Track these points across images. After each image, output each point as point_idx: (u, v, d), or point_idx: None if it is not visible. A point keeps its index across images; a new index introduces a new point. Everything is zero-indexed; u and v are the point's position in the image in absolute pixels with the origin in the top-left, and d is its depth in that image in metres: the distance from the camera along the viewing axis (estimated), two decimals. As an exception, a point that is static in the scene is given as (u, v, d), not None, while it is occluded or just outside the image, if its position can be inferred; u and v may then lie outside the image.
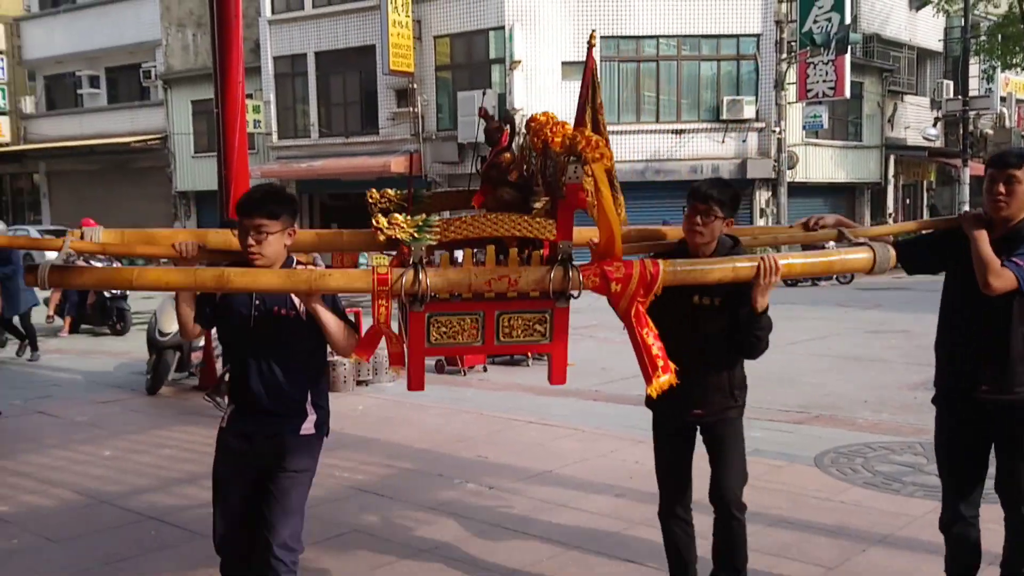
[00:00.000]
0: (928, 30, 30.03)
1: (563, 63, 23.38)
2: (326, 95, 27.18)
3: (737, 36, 24.07)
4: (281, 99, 27.84)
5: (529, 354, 10.28)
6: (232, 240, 3.32)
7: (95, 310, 13.57)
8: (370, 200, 3.16)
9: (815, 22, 23.05)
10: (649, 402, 3.65)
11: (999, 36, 28.05)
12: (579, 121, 3.36)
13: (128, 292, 13.73)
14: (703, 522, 3.76)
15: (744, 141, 24.00)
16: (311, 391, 3.32)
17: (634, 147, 23.54)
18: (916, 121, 29.69)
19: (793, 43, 23.87)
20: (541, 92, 23.26)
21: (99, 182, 32.97)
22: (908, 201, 30.83)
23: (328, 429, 3.43)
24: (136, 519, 5.24)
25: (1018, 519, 3.55)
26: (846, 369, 9.85)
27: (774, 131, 23.89)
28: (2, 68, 35.11)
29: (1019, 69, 29.04)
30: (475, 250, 3.30)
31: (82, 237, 3.27)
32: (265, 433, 3.28)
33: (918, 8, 29.09)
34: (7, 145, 35.35)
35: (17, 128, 35.88)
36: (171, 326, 8.74)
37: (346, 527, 5.06)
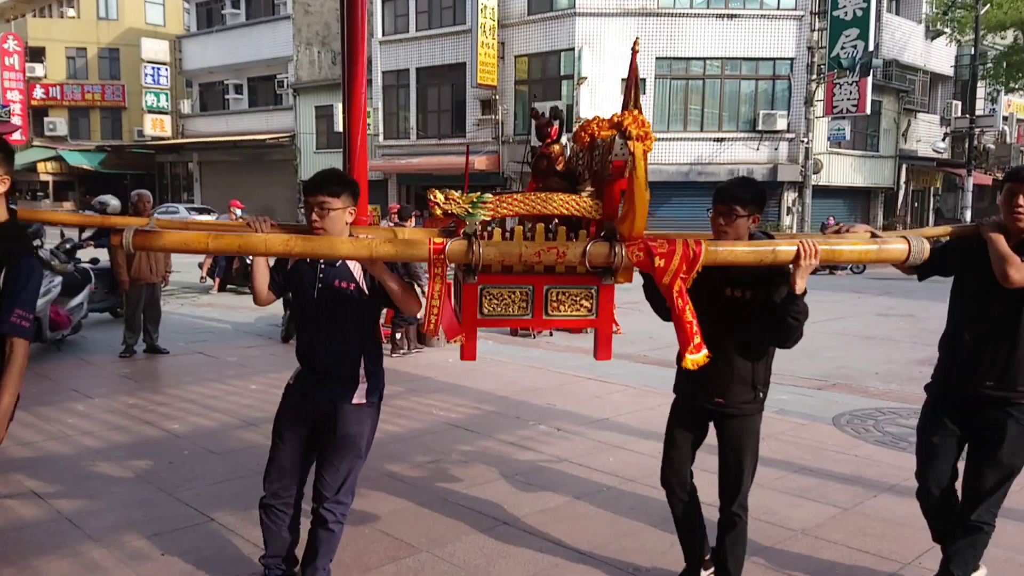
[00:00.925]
0: (941, 57, 28.89)
1: (622, 80, 23.10)
2: (423, 103, 27.35)
3: (774, 59, 23.48)
4: (387, 106, 28.09)
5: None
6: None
7: (239, 273, 14.02)
8: (432, 199, 2.78)
9: (843, 48, 22.36)
10: (675, 387, 3.35)
11: (1004, 64, 26.89)
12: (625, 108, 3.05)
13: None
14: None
15: (776, 149, 23.47)
16: (365, 359, 3.10)
17: (681, 152, 23.23)
18: (927, 136, 28.67)
19: (823, 66, 23.21)
20: (603, 104, 23.04)
21: (240, 171, 33.92)
22: (916, 205, 29.82)
23: (381, 396, 3.19)
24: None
25: (980, 503, 3.18)
26: (859, 346, 9.67)
27: (802, 141, 23.32)
28: (166, 76, 36.31)
29: (1020, 93, 27.81)
30: (525, 230, 3.00)
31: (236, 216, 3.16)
32: (322, 398, 3.09)
33: (933, 38, 28.01)
34: (169, 139, 36.64)
35: (176, 125, 37.16)
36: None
37: (443, 454, 5.20)
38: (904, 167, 27.69)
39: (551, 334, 10.10)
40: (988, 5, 23.62)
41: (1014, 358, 3.09)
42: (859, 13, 22.05)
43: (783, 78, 23.55)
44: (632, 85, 3.03)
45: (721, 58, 23.42)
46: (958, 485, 3.33)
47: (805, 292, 2.93)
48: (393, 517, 4.16)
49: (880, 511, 4.33)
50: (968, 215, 24.00)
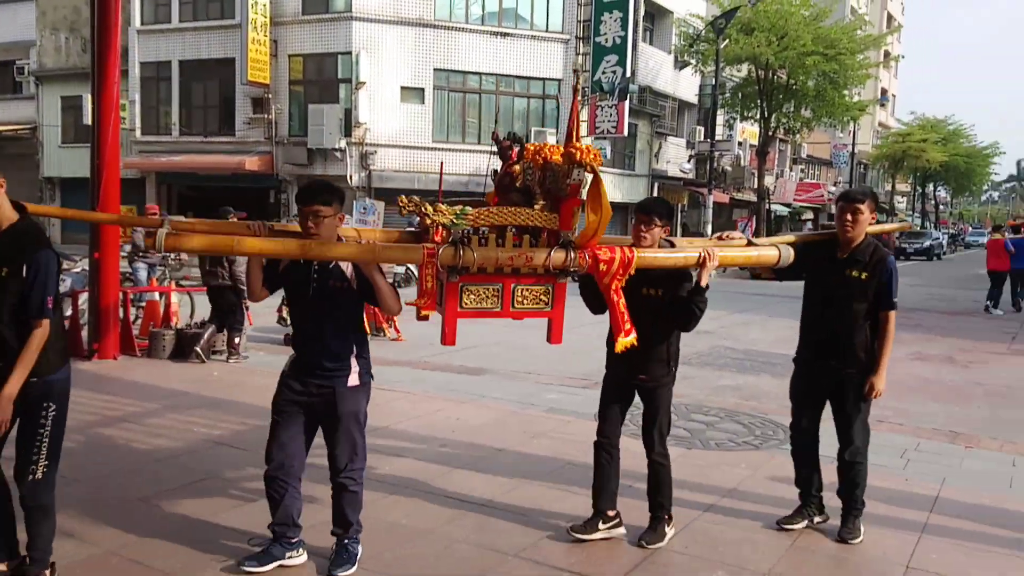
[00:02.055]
0: (688, 86, 31.90)
1: (402, 87, 23.16)
2: (187, 98, 25.58)
3: (543, 79, 24.68)
4: (146, 99, 25.96)
5: (368, 331, 10.20)
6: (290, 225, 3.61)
7: None
8: (423, 211, 3.28)
9: (603, 73, 24.02)
10: (607, 364, 4.04)
11: (739, 94, 30.24)
12: (568, 139, 3.56)
13: None
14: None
15: (546, 163, 24.64)
16: (355, 346, 3.53)
17: (460, 163, 23.68)
18: (676, 157, 31.52)
19: (586, 88, 24.76)
20: (382, 110, 22.95)
21: (-35, 164, 29.59)
22: (668, 219, 32.57)
23: (371, 376, 3.63)
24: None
25: (848, 444, 4.08)
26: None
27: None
28: None
29: (752, 121, 31.43)
30: (498, 239, 3.48)
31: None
32: (320, 384, 3.48)
33: (681, 68, 30.84)
34: None
35: None
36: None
37: (203, 474, 4.84)
38: (656, 185, 30.25)
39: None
40: (727, 41, 26.47)
41: (852, 341, 3.97)
42: (618, 41, 23.81)
43: (552, 97, 24.83)
44: (574, 121, 3.54)
45: (496, 74, 24.21)
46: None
47: (708, 287, 3.74)
48: (146, 545, 3.81)
49: (632, 499, 4.61)
50: (709, 229, 26.67)
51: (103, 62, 8.14)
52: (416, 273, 3.69)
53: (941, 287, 22.15)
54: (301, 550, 3.65)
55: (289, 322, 13.05)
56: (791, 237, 4.26)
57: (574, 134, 3.45)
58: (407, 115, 23.26)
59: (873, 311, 3.98)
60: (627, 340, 3.57)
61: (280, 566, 3.56)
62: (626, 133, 24.71)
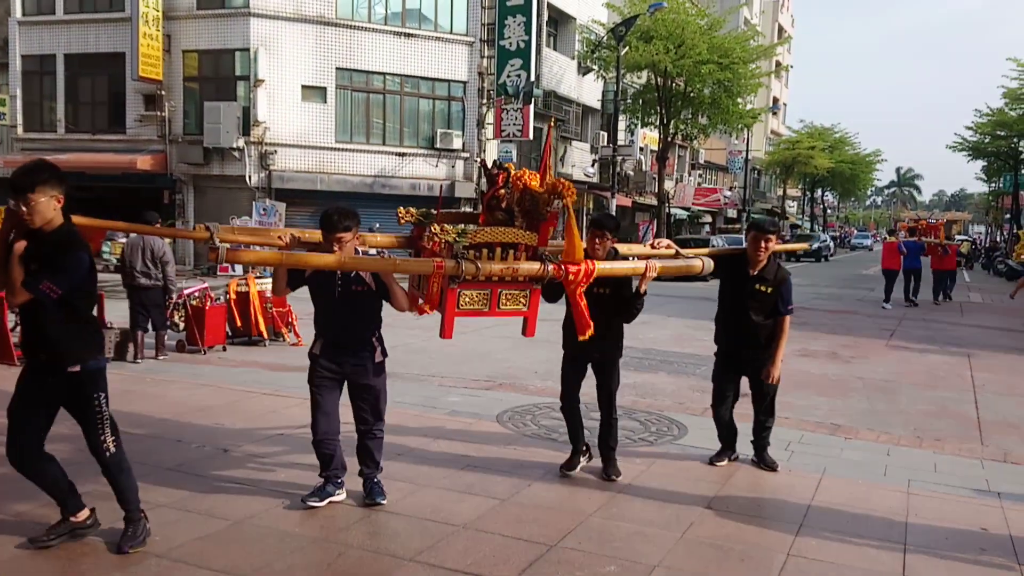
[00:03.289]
0: (591, 91, 32.43)
1: (303, 86, 22.65)
2: (74, 94, 24.26)
3: (449, 81, 24.63)
4: (28, 94, 24.50)
5: (265, 335, 9.94)
6: (315, 235, 4.26)
7: None
8: (400, 214, 4.53)
9: (508, 76, 24.14)
10: (564, 344, 5.11)
11: (640, 100, 31.00)
12: (542, 172, 4.25)
13: None
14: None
15: (453, 166, 24.62)
16: (376, 331, 4.48)
17: (365, 164, 23.36)
18: (580, 161, 32.02)
19: (492, 91, 24.87)
20: (282, 109, 22.38)
21: None
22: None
23: (387, 354, 4.56)
24: None
25: (762, 411, 5.41)
26: (521, 347, 10.38)
27: (476, 160, 24.71)
28: None
29: (652, 127, 32.27)
30: (489, 253, 4.16)
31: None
32: (353, 363, 4.39)
33: (584, 74, 31.36)
34: None
35: None
36: None
37: (86, 488, 4.59)
38: (562, 187, 30.62)
39: (224, 348, 9.49)
40: (627, 48, 27.09)
41: (756, 335, 5.23)
42: (522, 45, 24.01)
43: (457, 99, 24.80)
44: (547, 155, 4.54)
45: (400, 75, 24.00)
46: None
47: (646, 292, 4.83)
48: (16, 562, 3.60)
49: (534, 499, 4.69)
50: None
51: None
52: None
53: (828, 286, 23.33)
54: (344, 490, 4.53)
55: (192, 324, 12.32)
56: (706, 251, 5.29)
57: (548, 169, 4.27)
58: (309, 114, 22.76)
59: (772, 315, 5.22)
60: (589, 332, 4.51)
61: (330, 502, 4.44)
62: (531, 136, 24.92)
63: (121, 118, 23.59)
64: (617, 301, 4.91)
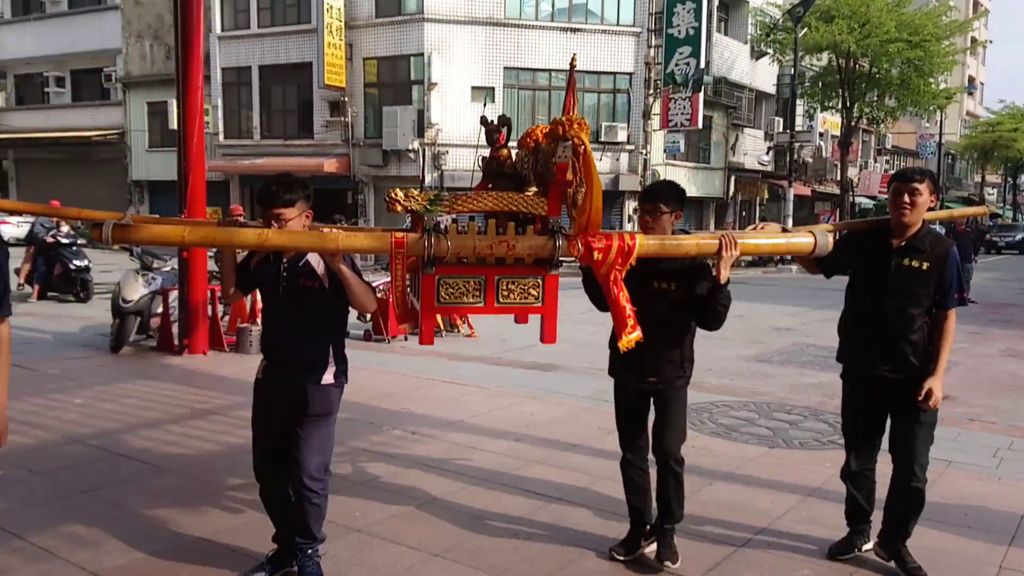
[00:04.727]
0: (765, 76, 31.19)
1: (472, 87, 23.36)
2: (267, 103, 26.39)
3: (614, 73, 24.49)
4: (228, 104, 26.89)
5: (442, 327, 10.38)
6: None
7: (61, 280, 12.92)
8: (394, 197, 3.05)
9: (676, 65, 23.67)
10: (611, 371, 3.71)
11: (820, 83, 29.40)
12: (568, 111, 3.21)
13: (90, 264, 13.13)
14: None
15: (617, 160, 24.50)
16: (331, 347, 3.29)
17: (529, 160, 23.76)
18: (753, 149, 30.85)
19: (659, 81, 24.48)
20: (453, 110, 23.18)
21: (62, 170, 31.20)
22: (744, 213, 32.00)
23: (347, 378, 3.38)
24: (106, 455, 5.08)
25: (905, 474, 3.52)
26: (696, 344, 10.18)
27: (641, 153, 24.46)
28: (-26, 66, 32.80)
29: (833, 111, 30.51)
30: (479, 227, 3.21)
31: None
32: (291, 384, 3.25)
33: (757, 58, 30.18)
34: (-22, 134, 33.05)
35: (-12, 119, 33.59)
36: (133, 294, 8.46)
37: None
38: (733, 178, 29.68)
39: (406, 338, 10.01)
40: (806, 29, 25.77)
41: (907, 343, 3.44)
42: (691, 32, 23.44)
43: (623, 92, 24.62)
44: (570, 94, 3.30)
45: (566, 70, 24.08)
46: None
47: (728, 281, 3.30)
48: (237, 531, 3.98)
49: (716, 498, 4.59)
50: (790, 223, 26.10)
51: (187, 68, 8.49)
52: None
53: (1038, 282, 21.08)
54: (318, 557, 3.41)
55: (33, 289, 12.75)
56: (829, 225, 3.72)
57: (570, 108, 3.12)
58: (478, 114, 23.36)
59: (931, 309, 3.47)
60: (631, 337, 3.13)
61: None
62: (700, 126, 24.33)
63: (309, 124, 25.38)
64: (688, 300, 3.45)
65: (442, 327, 10.43)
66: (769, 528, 4.14)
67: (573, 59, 3.43)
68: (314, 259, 3.20)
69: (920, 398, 3.38)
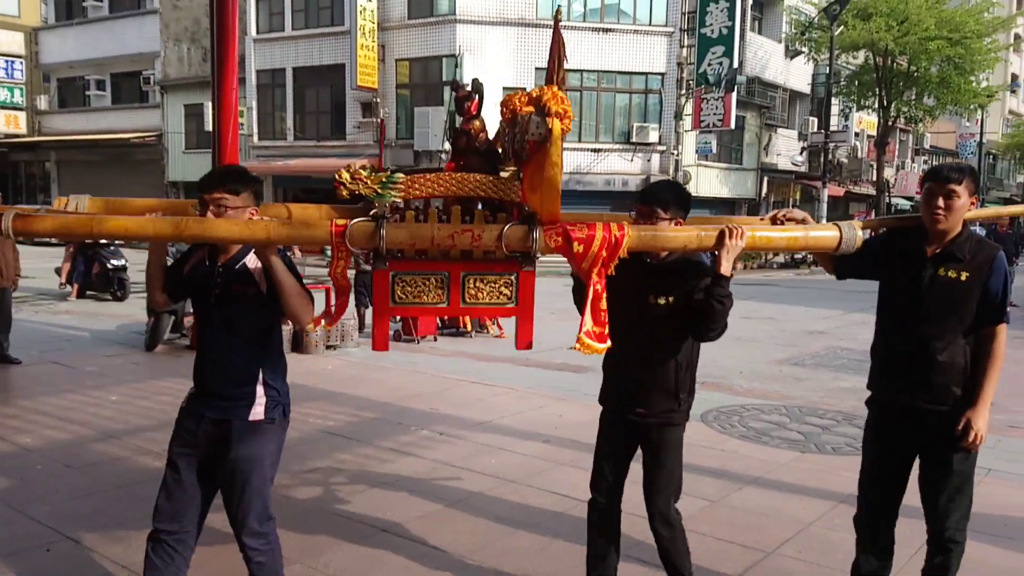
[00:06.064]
0: (799, 75, 30.77)
1: (504, 88, 23.33)
2: (301, 104, 26.66)
3: (646, 74, 24.34)
4: (262, 106, 27.21)
5: (470, 327, 10.37)
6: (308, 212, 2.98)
7: (99, 279, 13.19)
8: (339, 179, 2.55)
9: (709, 65, 23.45)
10: (601, 398, 3.22)
11: (856, 82, 28.93)
12: (552, 80, 2.91)
13: (127, 264, 13.39)
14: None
15: (649, 161, 24.32)
16: (263, 371, 2.77)
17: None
18: (786, 150, 30.45)
19: (691, 81, 24.27)
20: (485, 112, 23.11)
21: (102, 171, 31.85)
22: (778, 214, 31.52)
23: (285, 411, 2.86)
24: (140, 452, 5.16)
25: (939, 529, 2.96)
26: (727, 346, 10.07)
27: (673, 153, 24.27)
28: (21, 70, 33.58)
29: (870, 110, 29.99)
30: (441, 214, 2.82)
31: (66, 206, 2.90)
32: (213, 417, 2.75)
33: (792, 57, 29.79)
34: (23, 136, 33.95)
35: (32, 122, 34.43)
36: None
37: (319, 463, 5.06)
38: (765, 179, 29.31)
39: (435, 339, 10.05)
40: (842, 27, 25.37)
41: (946, 367, 2.87)
42: (724, 31, 23.21)
43: (655, 92, 24.46)
44: (555, 59, 2.80)
45: (597, 71, 24.06)
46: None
47: (731, 276, 2.78)
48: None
49: (745, 503, 4.54)
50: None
51: (222, 71, 8.59)
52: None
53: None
54: None
55: (73, 288, 12.24)
56: (860, 223, 3.13)
57: (555, 75, 2.74)
58: (510, 115, 23.44)
59: (975, 326, 2.87)
60: (597, 345, 2.67)
61: None
62: (733, 126, 24.08)
63: (342, 125, 25.60)
64: (687, 313, 2.88)
65: (471, 328, 10.44)
66: (799, 535, 4.07)
67: (558, 12, 2.94)
68: (252, 262, 2.75)
69: (959, 431, 2.83)
